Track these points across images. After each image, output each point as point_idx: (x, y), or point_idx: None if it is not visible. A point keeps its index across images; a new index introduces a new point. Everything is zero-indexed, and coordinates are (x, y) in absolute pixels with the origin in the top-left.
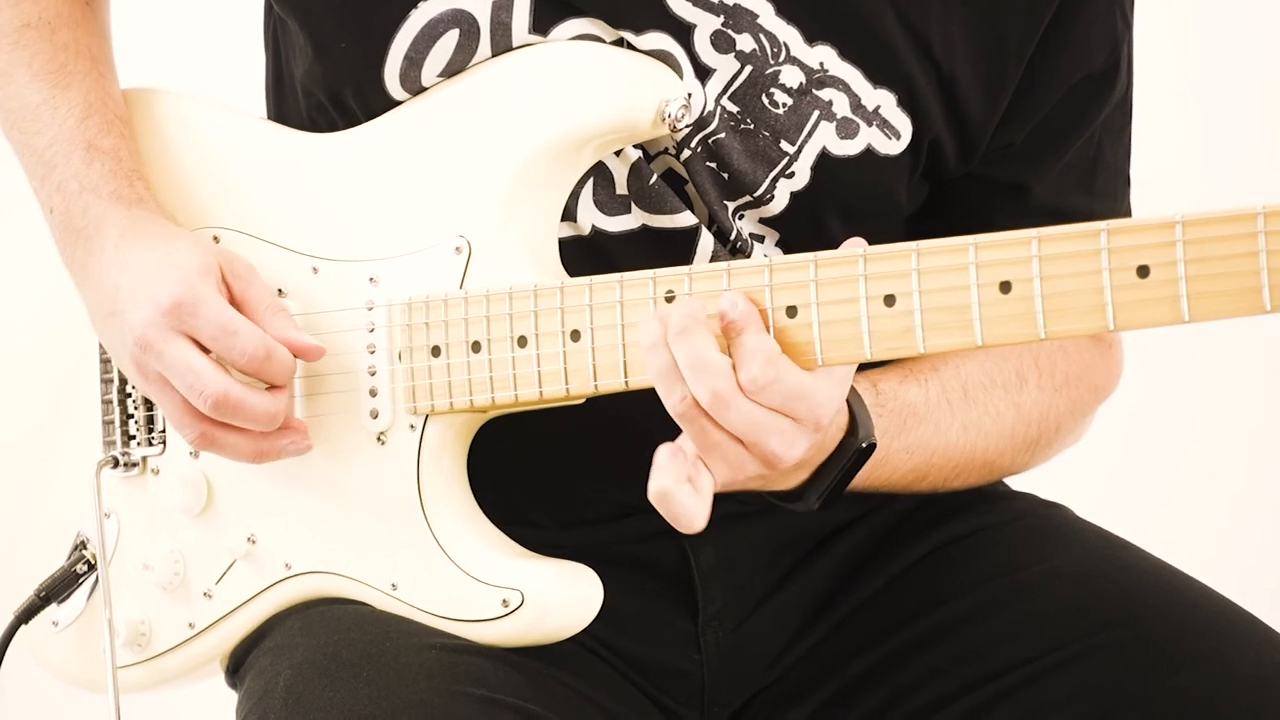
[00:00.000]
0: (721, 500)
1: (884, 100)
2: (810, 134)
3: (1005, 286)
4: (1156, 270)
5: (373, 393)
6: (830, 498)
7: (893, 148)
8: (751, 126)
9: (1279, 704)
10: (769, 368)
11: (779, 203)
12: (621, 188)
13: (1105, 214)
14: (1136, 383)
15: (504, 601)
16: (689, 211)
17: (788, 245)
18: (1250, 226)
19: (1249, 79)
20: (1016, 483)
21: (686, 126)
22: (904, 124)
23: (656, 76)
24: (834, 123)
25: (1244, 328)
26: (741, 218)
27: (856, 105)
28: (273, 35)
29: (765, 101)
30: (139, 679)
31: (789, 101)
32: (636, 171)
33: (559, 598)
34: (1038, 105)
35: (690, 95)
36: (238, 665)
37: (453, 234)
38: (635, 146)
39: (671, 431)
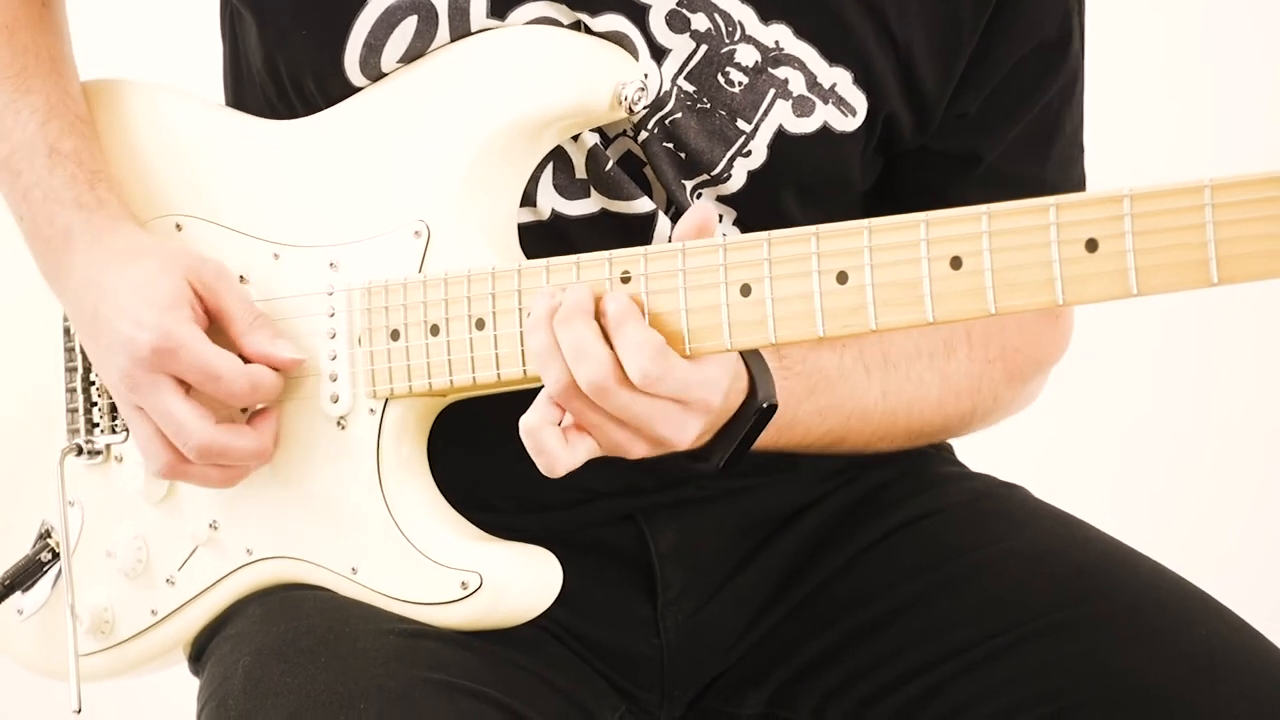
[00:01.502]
0: (680, 485)
1: (840, 78)
2: (766, 112)
3: (956, 262)
4: (1105, 243)
5: (333, 377)
6: (734, 458)
7: (848, 124)
8: (708, 106)
9: (1229, 679)
10: (659, 359)
11: (736, 181)
12: (580, 172)
13: (1059, 181)
14: (1098, 364)
15: (463, 584)
16: (646, 197)
17: (745, 225)
18: (1197, 199)
19: (1236, 78)
20: (975, 464)
21: (644, 109)
22: (859, 101)
23: (612, 60)
24: (790, 101)
25: (1206, 309)
26: (699, 196)
27: (812, 83)
28: (229, 23)
29: (721, 80)
30: (102, 666)
31: (745, 80)
32: (594, 157)
33: (518, 580)
34: (990, 74)
35: (646, 77)
36: (200, 652)
37: (412, 218)
38: (593, 130)
39: None
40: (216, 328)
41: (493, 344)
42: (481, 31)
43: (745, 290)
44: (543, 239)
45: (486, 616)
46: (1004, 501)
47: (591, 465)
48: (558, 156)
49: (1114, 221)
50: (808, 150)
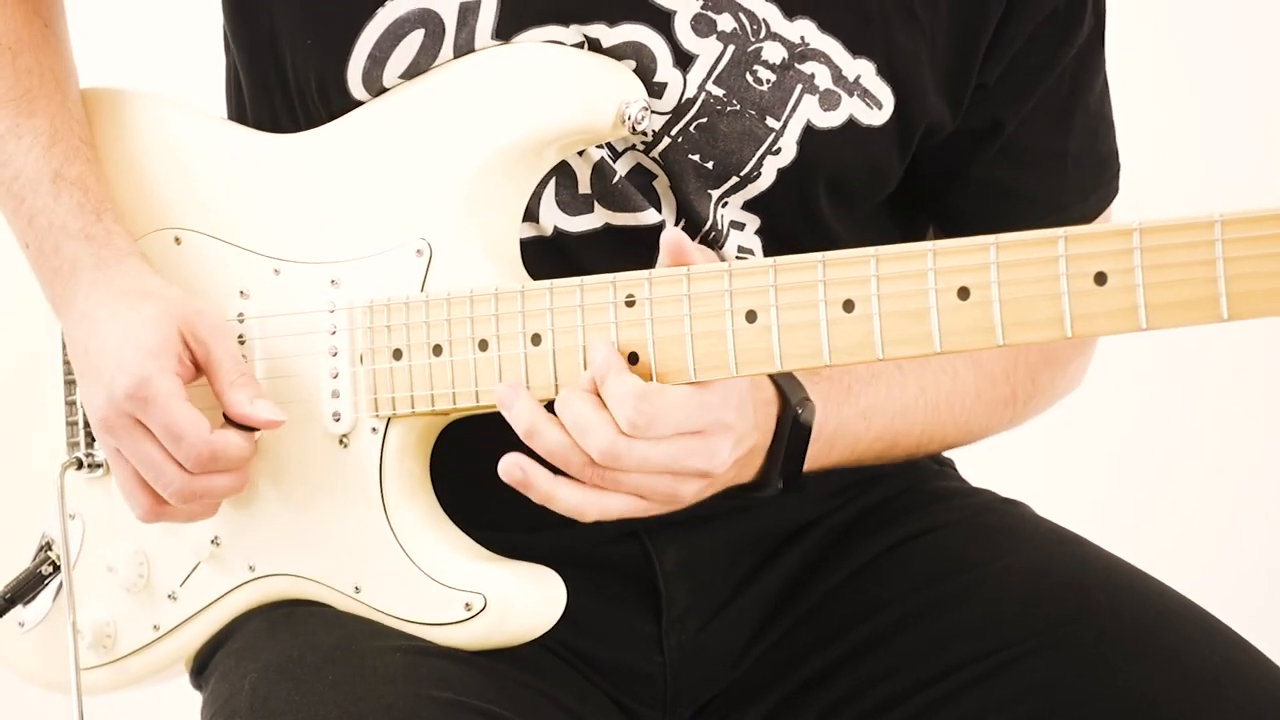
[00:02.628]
0: None
1: (864, 70)
2: (794, 108)
3: (964, 293)
4: (1114, 278)
5: (335, 395)
6: (792, 475)
7: (875, 118)
8: (737, 107)
9: (1228, 698)
10: (642, 405)
11: (766, 179)
12: (585, 187)
13: (1083, 153)
14: (1100, 381)
15: (467, 605)
16: (653, 209)
17: (771, 230)
18: (1208, 234)
19: (1230, 83)
20: (976, 480)
21: (646, 130)
22: (885, 93)
23: (616, 78)
24: (817, 95)
25: (1211, 329)
26: (725, 205)
27: (838, 77)
28: (230, 38)
29: (749, 80)
30: (104, 680)
31: (772, 78)
32: (600, 170)
33: (522, 601)
34: (1008, 45)
35: (649, 104)
36: (202, 667)
37: (414, 236)
38: (598, 146)
39: None
40: (203, 382)
41: (496, 365)
42: (484, 49)
43: (751, 316)
44: (545, 255)
45: (491, 637)
46: (1005, 518)
47: None
48: (562, 171)
49: (1124, 255)
50: (836, 145)
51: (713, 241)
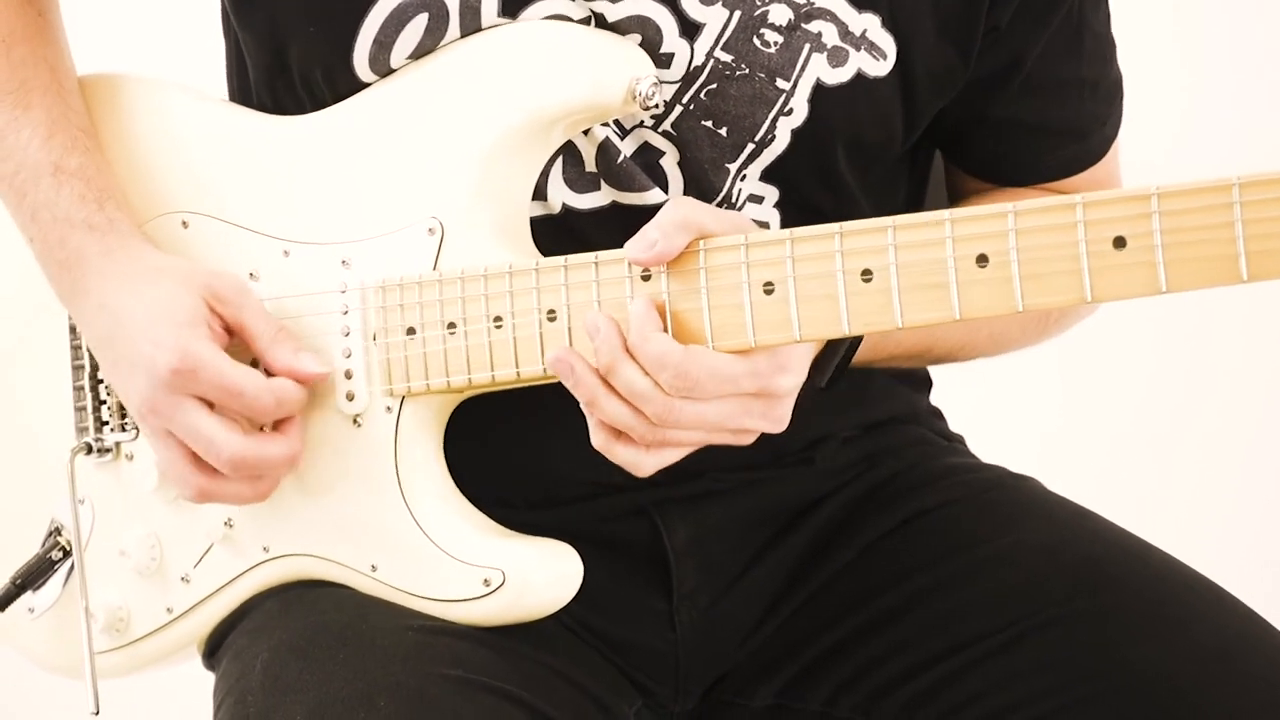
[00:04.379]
0: (694, 479)
1: (869, 23)
2: (804, 68)
3: (982, 260)
4: (1133, 241)
5: (348, 375)
6: (835, 378)
7: (880, 69)
8: (746, 71)
9: (1241, 670)
10: (680, 371)
11: (781, 142)
12: (590, 165)
13: (1097, 79)
14: (1110, 354)
15: (485, 581)
16: (658, 189)
17: (787, 202)
18: (1226, 197)
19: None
20: (987, 455)
21: (657, 105)
22: (888, 44)
23: (625, 54)
24: (824, 53)
25: (1222, 302)
26: (744, 177)
27: (844, 33)
28: (231, 22)
29: (757, 43)
30: (117, 664)
31: (780, 39)
32: (605, 150)
33: (540, 576)
34: None
35: (658, 79)
36: (215, 647)
37: (425, 215)
38: (605, 124)
39: None
40: (237, 343)
41: (511, 342)
42: (492, 27)
43: (768, 288)
44: (554, 233)
45: (509, 612)
46: (1015, 493)
47: (604, 459)
48: (568, 150)
49: (1142, 219)
50: (847, 100)
51: None
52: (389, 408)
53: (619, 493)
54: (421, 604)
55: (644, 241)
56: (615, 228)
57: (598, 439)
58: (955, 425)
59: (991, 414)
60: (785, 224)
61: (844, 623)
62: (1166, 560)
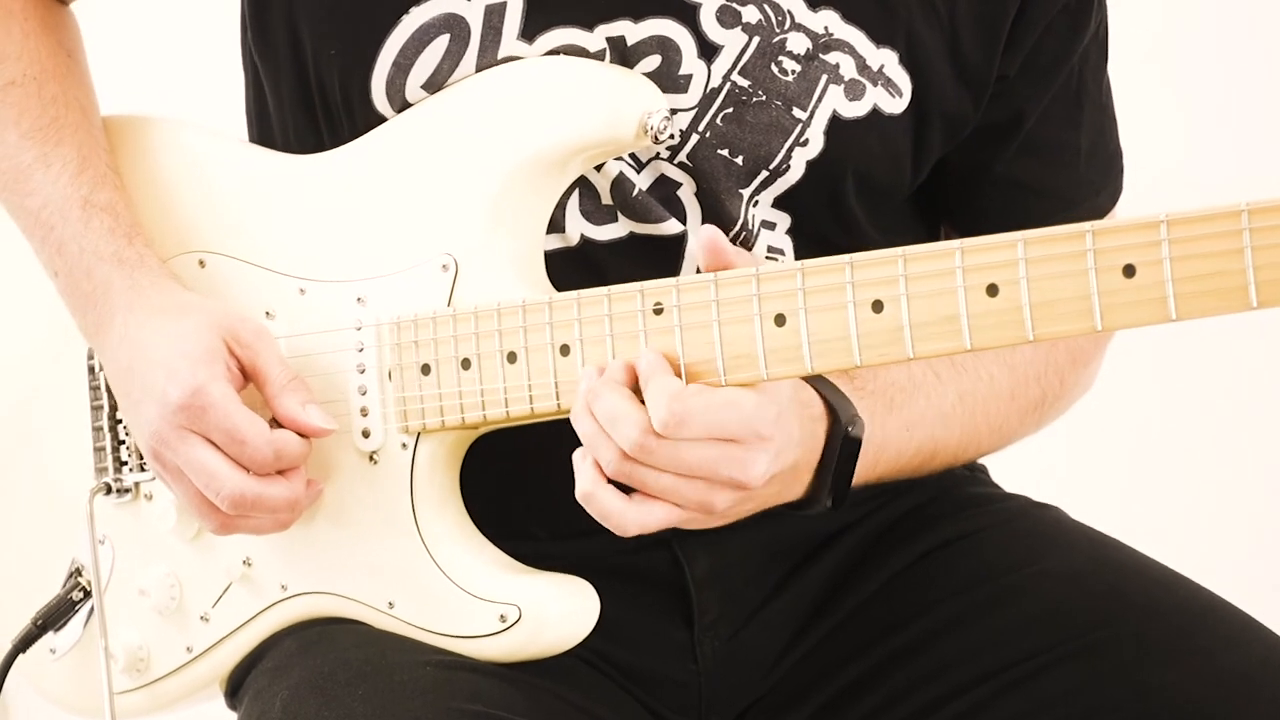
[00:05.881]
0: None
1: (887, 59)
2: (820, 99)
3: (992, 290)
4: (1143, 270)
5: (364, 412)
6: (840, 493)
7: (896, 106)
8: (764, 98)
9: (1268, 698)
10: (675, 404)
11: (795, 172)
12: (606, 199)
13: (1093, 147)
14: (1133, 382)
15: (501, 617)
16: (675, 219)
17: (799, 230)
18: (1235, 224)
19: (1246, 78)
20: (1010, 484)
21: (671, 137)
22: (904, 81)
23: (638, 89)
24: (842, 85)
25: (1239, 327)
26: (756, 204)
27: (862, 66)
28: (250, 58)
29: (775, 70)
30: (138, 704)
31: (798, 68)
32: (619, 184)
33: (556, 611)
34: (1027, 35)
35: (672, 113)
36: (236, 687)
37: (439, 252)
38: (619, 158)
39: None
40: (252, 387)
41: (526, 377)
42: (506, 60)
43: (780, 320)
44: (572, 265)
45: (526, 648)
46: (1039, 522)
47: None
48: (583, 183)
49: (1151, 248)
50: (862, 135)
51: (743, 242)
52: (405, 444)
53: None
54: (439, 640)
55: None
56: (633, 259)
57: (581, 485)
58: None
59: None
60: (799, 250)
61: (869, 654)
62: (1191, 587)
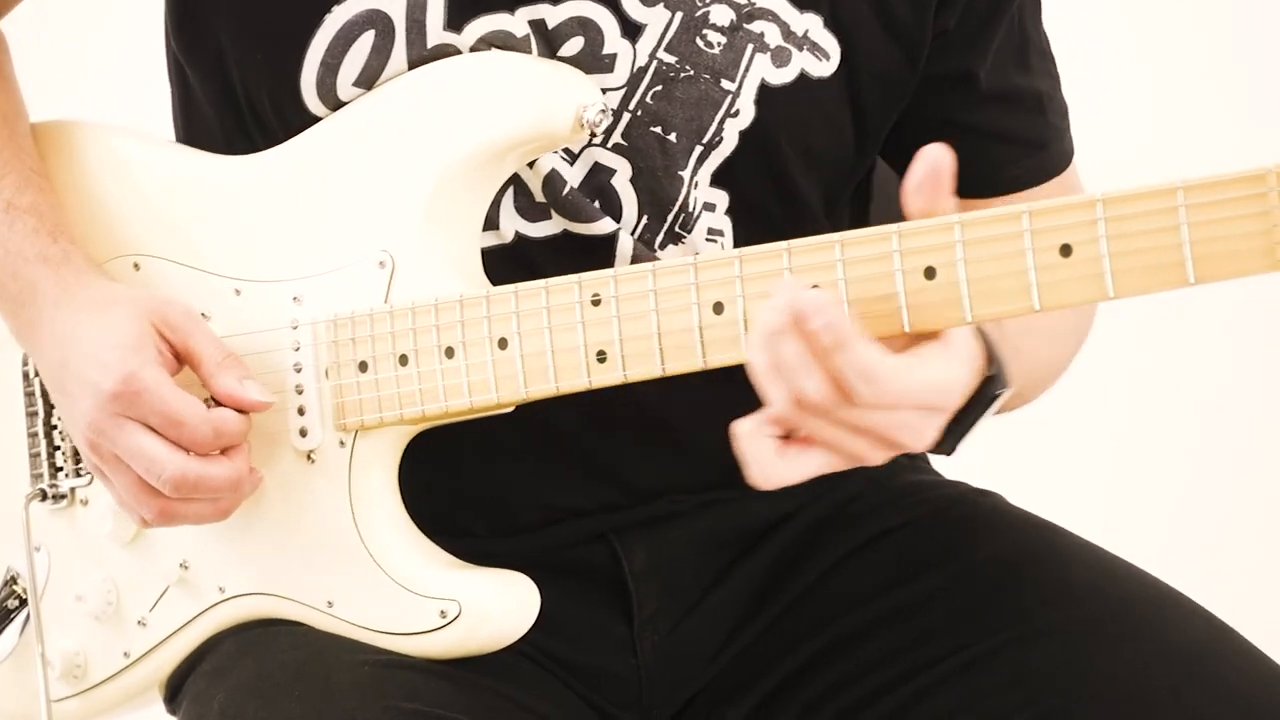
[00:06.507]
0: (651, 501)
1: (811, 24)
2: (748, 68)
3: (930, 272)
4: (1079, 249)
5: (301, 411)
6: (957, 443)
7: (824, 70)
8: (691, 72)
9: (1208, 679)
10: (870, 385)
11: (729, 144)
12: (539, 196)
13: (1050, 92)
14: (1073, 368)
15: (441, 612)
16: (608, 217)
17: (740, 208)
18: (1170, 201)
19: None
20: (949, 471)
21: (604, 130)
22: (831, 44)
23: (572, 82)
24: (768, 53)
25: (1180, 313)
26: (696, 184)
27: (787, 33)
28: (177, 64)
29: (700, 44)
30: (76, 711)
31: (723, 40)
32: (550, 181)
33: (496, 606)
34: None
35: (606, 105)
36: (175, 691)
37: (375, 249)
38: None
39: (601, 437)
40: (187, 369)
41: (464, 372)
42: (437, 50)
43: (718, 308)
44: (506, 262)
45: (465, 643)
46: (978, 508)
47: (562, 484)
48: (516, 181)
49: (1088, 227)
50: (791, 101)
51: (683, 225)
52: (342, 442)
53: (577, 518)
54: (379, 639)
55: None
56: (568, 256)
57: (744, 425)
58: None
59: None
60: (738, 231)
61: (811, 643)
62: (1132, 571)
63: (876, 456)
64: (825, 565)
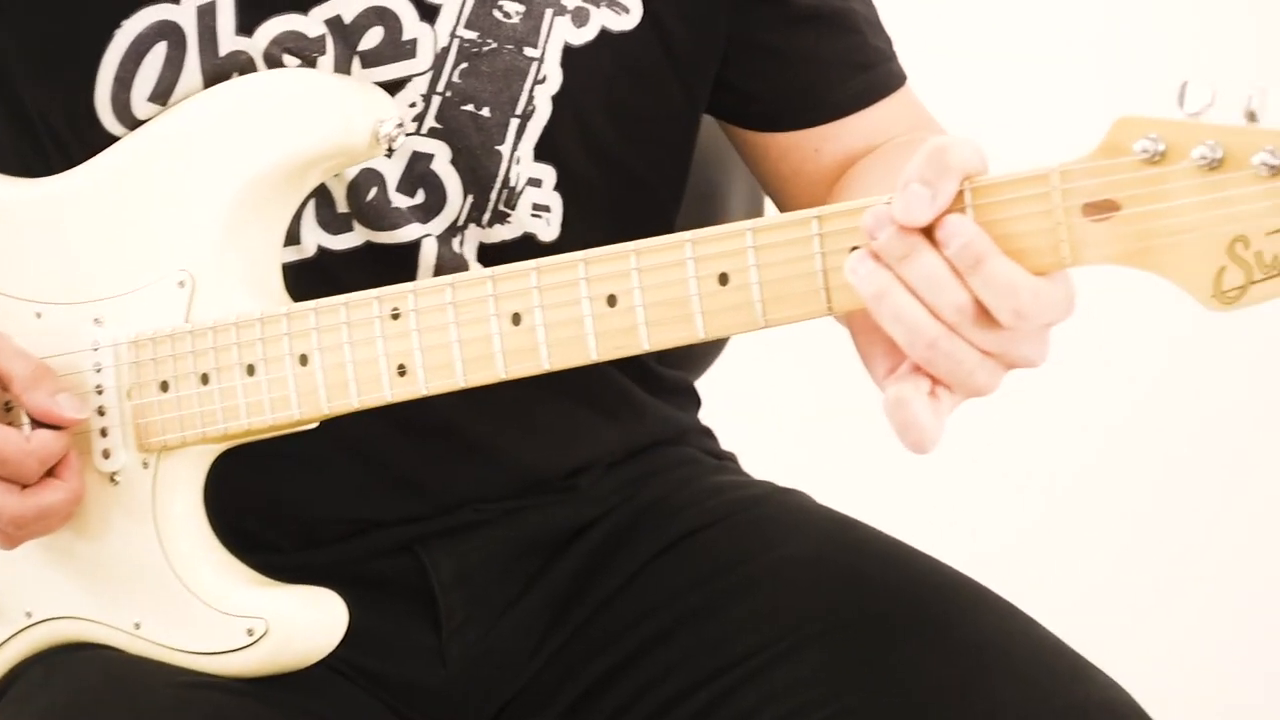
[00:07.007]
0: (456, 510)
1: None
2: (549, 33)
3: (724, 279)
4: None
5: (104, 433)
6: None
7: (626, 23)
8: (494, 45)
9: (1000, 667)
10: (1034, 301)
11: (543, 112)
12: (342, 205)
13: (866, 15)
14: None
15: (249, 631)
16: (413, 224)
17: (566, 183)
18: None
19: None
20: (755, 471)
21: (401, 145)
22: None
23: (368, 97)
24: (567, 15)
25: None
26: (519, 160)
27: None
28: None
29: (498, 16)
30: None
31: (521, 9)
32: (355, 188)
33: (303, 622)
34: None
35: (403, 120)
36: None
37: (175, 268)
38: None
39: (405, 448)
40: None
41: (265, 389)
42: (230, 57)
43: (516, 319)
44: (309, 277)
45: (274, 661)
46: (781, 507)
47: (366, 496)
48: (320, 191)
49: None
50: (595, 58)
51: (506, 202)
52: (146, 463)
53: (381, 529)
54: (187, 659)
55: (911, 198)
56: (371, 268)
57: (900, 390)
58: (730, 443)
59: (767, 429)
60: (568, 208)
61: (617, 647)
62: (930, 564)
63: (995, 381)
64: (630, 569)
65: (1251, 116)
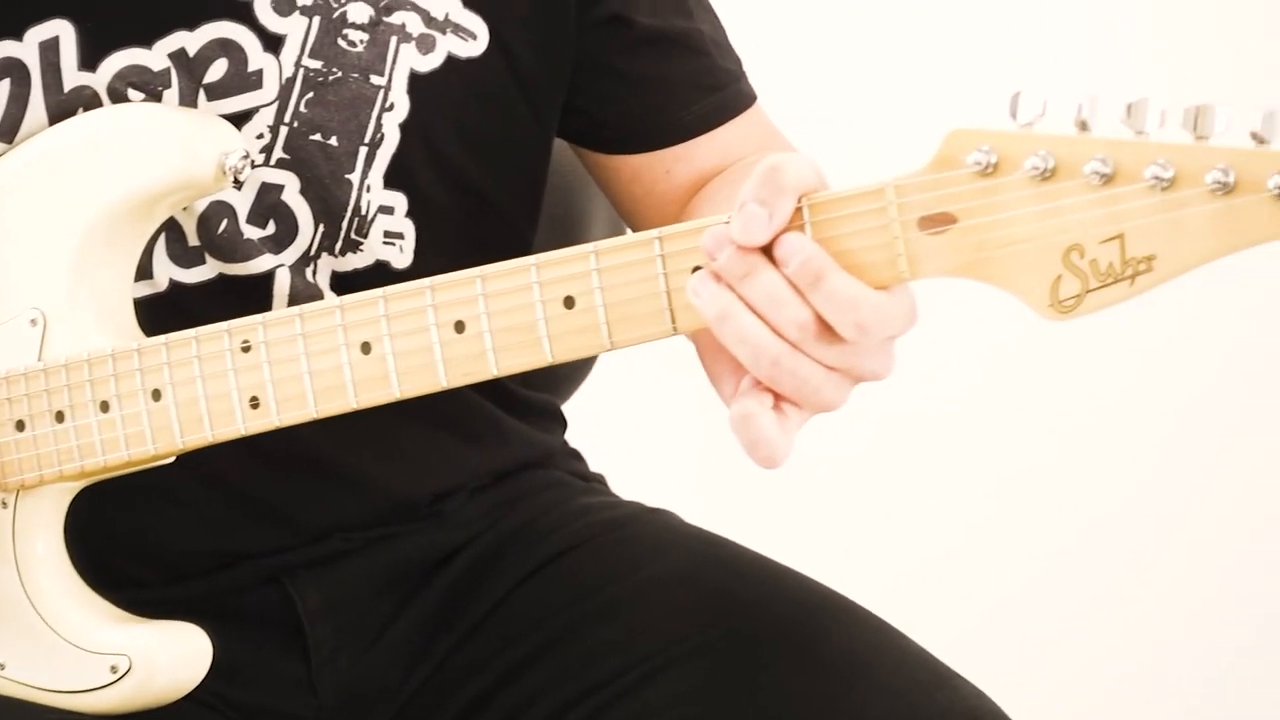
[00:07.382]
0: (321, 540)
1: (451, 7)
2: (395, 60)
3: (569, 301)
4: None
5: None
6: None
7: (473, 49)
8: (339, 74)
9: (867, 680)
10: (855, 315)
11: (391, 140)
12: (193, 239)
13: (714, 36)
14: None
15: (112, 668)
16: (265, 255)
17: (418, 210)
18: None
19: None
20: (625, 492)
21: (247, 177)
22: (475, 22)
23: (213, 131)
24: (412, 43)
25: None
26: (369, 189)
27: (428, 19)
28: None
29: (343, 44)
30: None
31: (365, 37)
32: (205, 221)
33: (167, 657)
34: None
35: (249, 153)
36: None
37: (26, 307)
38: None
39: (268, 479)
40: None
41: (120, 425)
42: (75, 90)
43: (365, 348)
44: (161, 311)
45: (139, 697)
46: (648, 527)
47: (230, 528)
48: (171, 224)
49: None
50: (443, 85)
51: (357, 230)
52: (5, 503)
53: (246, 561)
54: (53, 698)
55: (748, 218)
56: (223, 300)
57: (743, 406)
58: (600, 465)
59: (637, 449)
60: (421, 234)
61: (488, 672)
62: (798, 580)
63: (842, 396)
64: (497, 594)
65: (1083, 126)
